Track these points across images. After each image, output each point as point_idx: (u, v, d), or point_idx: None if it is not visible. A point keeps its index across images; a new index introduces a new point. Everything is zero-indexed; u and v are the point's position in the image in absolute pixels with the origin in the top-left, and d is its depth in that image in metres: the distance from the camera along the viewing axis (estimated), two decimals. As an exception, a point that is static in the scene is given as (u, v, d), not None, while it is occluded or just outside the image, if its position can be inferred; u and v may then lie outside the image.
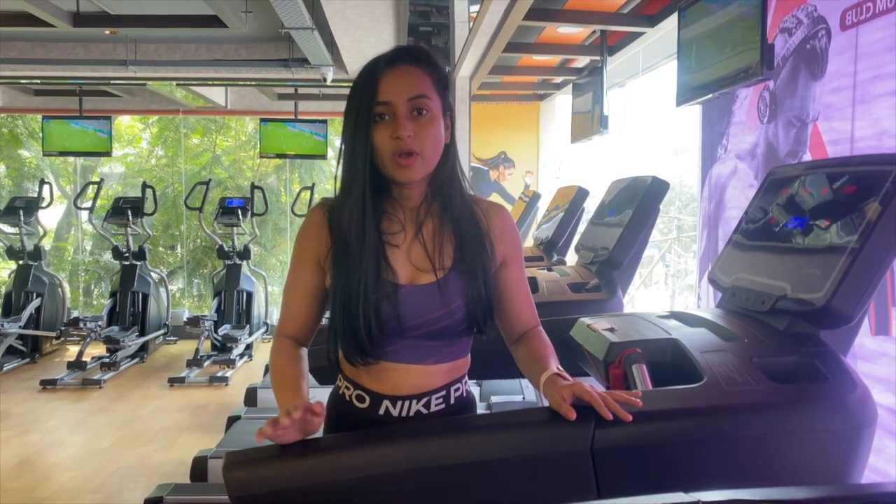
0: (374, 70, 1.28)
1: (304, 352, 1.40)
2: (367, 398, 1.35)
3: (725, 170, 3.25)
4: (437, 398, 1.35)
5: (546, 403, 1.24)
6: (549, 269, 2.68)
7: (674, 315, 1.67)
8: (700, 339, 1.42)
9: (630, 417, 1.12)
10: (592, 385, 1.20)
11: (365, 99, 1.27)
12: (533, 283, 2.49)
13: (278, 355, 1.37)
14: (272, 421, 1.14)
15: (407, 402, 1.33)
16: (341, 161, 1.32)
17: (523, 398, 3.89)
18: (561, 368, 1.27)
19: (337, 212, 1.32)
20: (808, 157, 2.54)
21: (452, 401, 1.37)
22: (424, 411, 1.34)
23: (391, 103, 1.26)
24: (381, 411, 1.34)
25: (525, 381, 2.99)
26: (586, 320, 1.65)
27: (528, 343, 1.40)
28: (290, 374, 1.33)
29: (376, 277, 1.28)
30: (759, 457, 1.15)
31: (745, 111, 3.05)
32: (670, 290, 9.51)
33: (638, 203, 2.43)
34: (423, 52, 1.34)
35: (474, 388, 2.68)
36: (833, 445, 1.16)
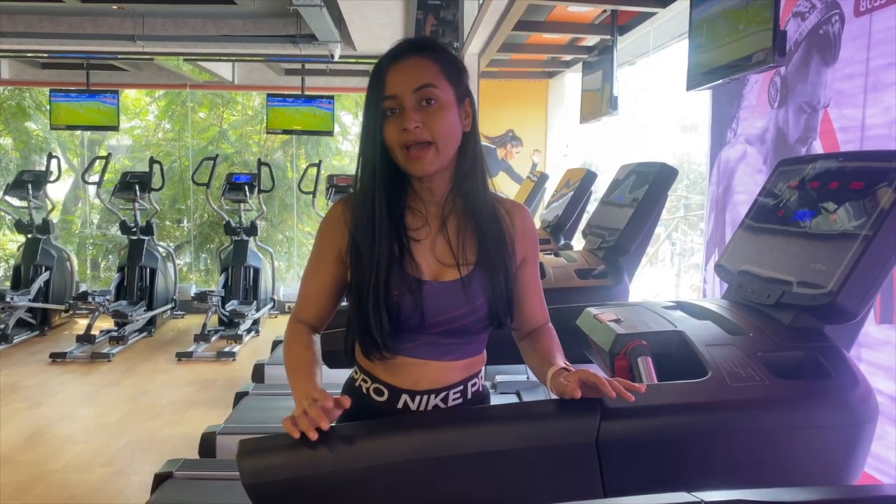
0: (381, 66, 1.29)
1: (318, 338, 1.42)
2: (386, 392, 1.36)
3: (734, 154, 3.24)
4: (454, 393, 1.37)
5: (553, 394, 1.26)
6: (557, 255, 2.69)
7: (679, 306, 1.68)
8: (705, 333, 1.43)
9: (632, 398, 1.14)
10: (597, 372, 1.22)
11: (374, 96, 1.28)
12: (540, 268, 2.50)
13: (293, 339, 1.38)
14: (292, 420, 1.17)
15: (425, 397, 1.35)
16: (360, 158, 1.33)
17: (527, 378, 3.92)
18: (567, 363, 1.29)
19: (355, 206, 1.33)
20: (818, 143, 2.53)
21: (469, 395, 1.39)
22: (442, 405, 1.36)
23: (397, 96, 1.26)
24: (400, 405, 1.35)
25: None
26: (593, 310, 1.66)
27: (537, 339, 1.42)
28: (304, 359, 1.34)
29: (400, 272, 1.29)
30: (760, 452, 1.17)
31: (755, 95, 3.03)
32: (676, 269, 9.52)
33: (646, 190, 2.43)
34: (429, 41, 1.34)
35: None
36: (834, 441, 1.18)
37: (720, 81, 2.77)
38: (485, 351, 1.42)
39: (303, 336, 1.39)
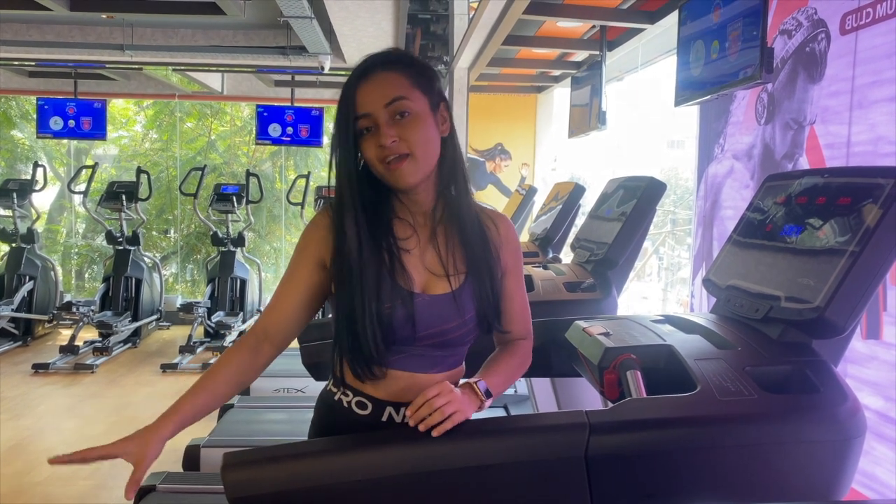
0: (350, 85, 1.27)
1: (261, 357, 1.34)
2: (370, 405, 1.33)
3: (722, 169, 3.26)
4: None
5: (539, 403, 1.26)
6: (545, 268, 2.69)
7: (668, 319, 1.68)
8: (694, 346, 1.43)
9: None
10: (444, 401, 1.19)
11: (345, 115, 1.27)
12: (528, 281, 2.49)
13: (227, 351, 1.34)
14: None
15: None
16: (334, 175, 1.32)
17: (515, 391, 3.91)
18: (479, 383, 1.27)
19: (336, 222, 1.31)
20: (804, 159, 2.55)
21: None
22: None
23: (370, 114, 1.25)
24: (385, 418, 1.33)
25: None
26: (581, 323, 1.66)
27: (499, 351, 1.43)
28: (206, 377, 1.30)
29: (391, 283, 1.27)
30: (750, 467, 1.17)
31: (742, 111, 3.06)
32: (663, 283, 9.57)
33: (634, 204, 2.44)
34: (395, 53, 1.32)
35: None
36: (823, 457, 1.18)
37: (708, 97, 2.79)
38: (464, 363, 1.42)
39: (239, 351, 1.33)
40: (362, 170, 1.30)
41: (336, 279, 1.30)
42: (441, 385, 1.21)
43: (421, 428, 1.17)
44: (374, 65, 1.28)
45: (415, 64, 1.32)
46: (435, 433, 1.17)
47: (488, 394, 1.27)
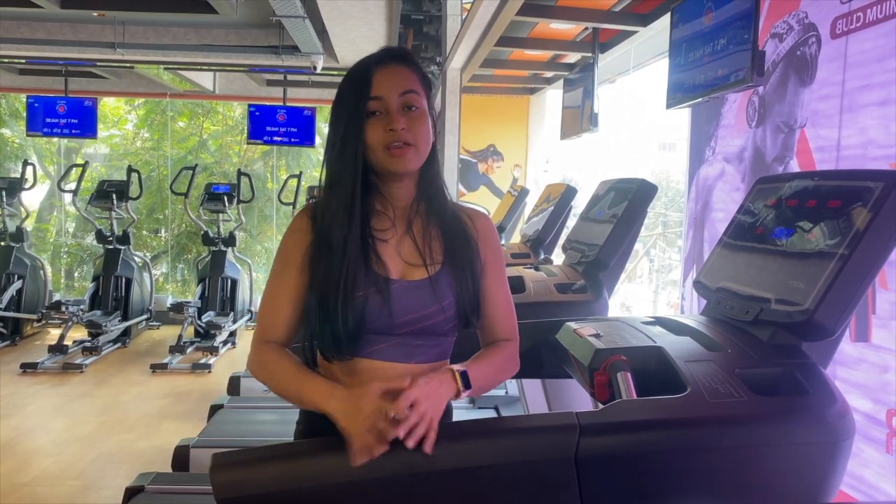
0: (366, 68, 1.32)
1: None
2: None
3: (713, 171, 3.28)
4: None
5: (529, 404, 1.25)
6: (537, 269, 2.69)
7: (658, 321, 1.68)
8: (684, 348, 1.43)
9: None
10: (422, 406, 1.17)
11: (355, 95, 1.30)
12: (520, 282, 2.50)
13: (271, 359, 1.32)
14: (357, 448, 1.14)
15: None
16: (327, 159, 1.34)
17: (506, 392, 3.92)
18: (460, 369, 1.26)
19: (322, 209, 1.32)
20: (794, 162, 2.56)
21: None
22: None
23: (384, 98, 1.29)
24: None
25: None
26: (572, 325, 1.66)
27: (484, 350, 1.42)
28: (297, 366, 1.29)
29: (366, 271, 1.29)
30: (739, 469, 1.17)
31: (733, 114, 3.07)
32: (654, 285, 9.61)
33: (625, 206, 2.44)
34: (410, 52, 1.40)
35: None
36: (812, 459, 1.18)
37: (699, 100, 2.80)
38: (449, 359, 1.41)
39: (278, 351, 1.32)
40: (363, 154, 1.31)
41: (312, 266, 1.30)
42: (416, 390, 1.18)
43: (427, 447, 1.15)
44: (391, 56, 1.35)
45: (422, 70, 1.39)
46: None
47: (466, 381, 1.25)
